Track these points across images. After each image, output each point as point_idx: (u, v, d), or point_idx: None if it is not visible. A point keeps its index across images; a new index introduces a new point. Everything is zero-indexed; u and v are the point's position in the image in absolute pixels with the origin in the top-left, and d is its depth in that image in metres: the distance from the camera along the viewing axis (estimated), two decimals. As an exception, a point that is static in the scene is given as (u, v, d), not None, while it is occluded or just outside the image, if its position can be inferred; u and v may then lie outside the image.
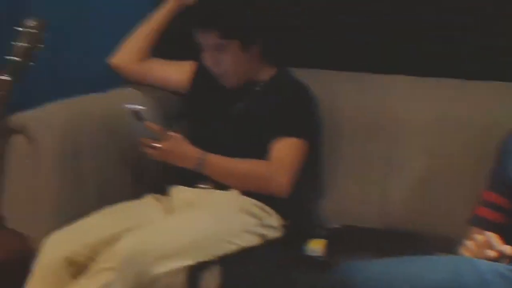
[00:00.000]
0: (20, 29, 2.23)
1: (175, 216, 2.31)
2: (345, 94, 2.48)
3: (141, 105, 2.26)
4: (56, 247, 2.20)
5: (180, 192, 2.38)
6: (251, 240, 2.22)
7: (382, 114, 2.41)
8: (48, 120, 2.37)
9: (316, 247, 2.15)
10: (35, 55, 2.24)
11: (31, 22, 2.22)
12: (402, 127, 2.38)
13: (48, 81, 2.81)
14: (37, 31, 2.22)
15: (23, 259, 2.25)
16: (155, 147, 2.26)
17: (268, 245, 2.23)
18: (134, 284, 2.10)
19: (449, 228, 2.15)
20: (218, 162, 2.29)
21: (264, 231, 2.24)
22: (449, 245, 1.86)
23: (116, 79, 2.69)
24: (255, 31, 2.36)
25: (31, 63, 2.23)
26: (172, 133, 2.27)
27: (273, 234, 2.24)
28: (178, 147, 2.29)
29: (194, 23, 2.35)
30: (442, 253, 1.76)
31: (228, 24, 2.30)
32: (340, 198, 2.43)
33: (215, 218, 2.22)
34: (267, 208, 2.27)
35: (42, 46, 2.24)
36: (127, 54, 2.63)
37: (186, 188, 2.38)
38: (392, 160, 2.39)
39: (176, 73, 2.58)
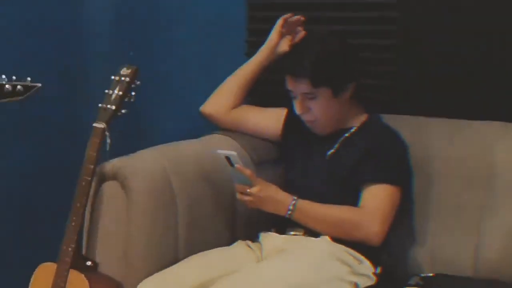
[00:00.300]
0: (115, 77, 2.28)
1: (267, 264, 2.29)
2: (438, 141, 2.45)
3: (233, 151, 2.26)
4: (147, 293, 2.21)
5: (271, 239, 2.37)
6: (342, 289, 2.17)
7: (477, 161, 2.37)
8: (141, 167, 2.39)
9: (410, 296, 2.09)
10: (127, 103, 2.28)
11: (125, 71, 2.27)
12: (498, 175, 2.32)
13: (141, 128, 2.84)
14: (130, 79, 2.27)
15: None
16: (247, 193, 2.24)
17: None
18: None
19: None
20: (309, 208, 2.27)
21: (356, 279, 2.20)
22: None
23: (208, 126, 2.70)
24: (346, 79, 2.36)
25: (124, 111, 2.28)
26: (263, 179, 2.27)
27: (365, 282, 2.20)
28: (269, 192, 2.27)
29: (286, 71, 2.36)
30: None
31: (320, 73, 2.30)
32: (433, 246, 2.38)
33: (306, 266, 2.19)
34: (359, 256, 2.23)
35: (134, 94, 2.29)
36: (220, 102, 2.64)
37: (277, 235, 2.37)
38: (487, 208, 2.33)
39: (267, 121, 2.59)
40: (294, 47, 2.46)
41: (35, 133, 2.95)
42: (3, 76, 2.00)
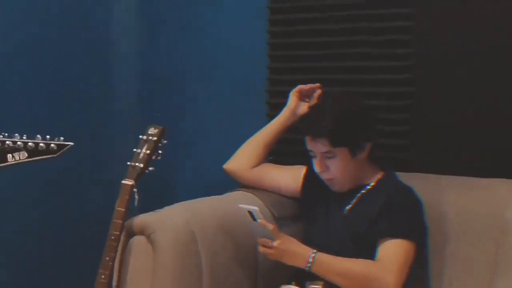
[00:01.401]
0: (143, 137, 2.29)
1: None
2: (451, 198, 2.43)
3: (255, 206, 2.25)
4: None
5: None
6: None
7: (489, 218, 2.35)
8: (166, 221, 2.37)
9: None
10: (154, 161, 2.29)
11: (152, 130, 2.29)
12: (510, 232, 2.29)
13: (167, 184, 2.84)
14: (157, 139, 2.29)
15: None
16: (269, 246, 2.23)
17: None
18: None
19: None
20: (328, 261, 2.24)
21: None
22: None
23: (231, 183, 2.69)
24: (363, 138, 2.36)
25: (151, 169, 2.29)
26: (284, 233, 2.25)
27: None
28: (290, 246, 2.25)
29: (305, 131, 2.36)
30: None
31: (338, 133, 2.30)
32: (447, 301, 2.33)
33: None
34: None
35: (161, 152, 2.30)
36: (242, 161, 2.64)
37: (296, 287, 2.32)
38: (499, 266, 2.29)
39: (288, 178, 2.58)
40: (312, 108, 2.46)
41: (68, 188, 2.96)
42: (38, 136, 2.03)
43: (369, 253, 2.23)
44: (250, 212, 2.21)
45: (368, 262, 2.21)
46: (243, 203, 2.34)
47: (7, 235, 2.90)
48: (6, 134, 2.00)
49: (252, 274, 2.47)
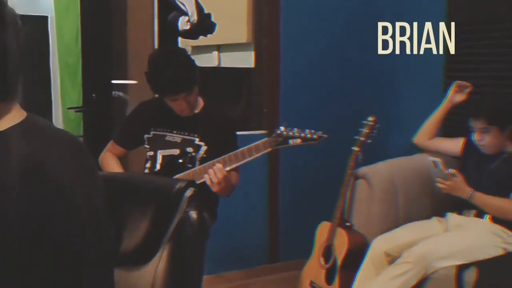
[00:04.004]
0: (364, 122, 2.68)
1: (450, 234, 2.55)
2: None
3: (438, 158, 2.56)
4: (379, 244, 2.51)
5: (453, 217, 2.65)
6: (497, 252, 2.41)
7: None
8: (378, 171, 2.82)
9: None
10: (371, 136, 2.67)
11: (370, 119, 2.70)
12: None
13: (379, 149, 3.00)
14: (372, 123, 2.67)
15: (362, 250, 2.57)
16: (445, 184, 2.51)
17: (509, 255, 2.41)
18: (422, 274, 2.31)
19: None
20: (482, 197, 2.51)
21: (506, 246, 2.44)
22: None
23: (416, 149, 3.03)
24: (510, 122, 2.57)
25: (369, 141, 2.67)
26: (456, 176, 2.53)
27: (512, 248, 2.41)
28: (458, 184, 2.50)
29: (469, 114, 2.64)
30: None
31: (492, 115, 2.55)
32: None
33: (474, 235, 2.45)
34: (509, 232, 2.48)
35: (376, 131, 2.65)
36: (424, 135, 3.00)
37: (457, 215, 2.64)
38: None
39: (452, 146, 2.88)
40: (474, 99, 2.75)
41: (329, 154, 3.21)
42: (306, 130, 2.26)
43: (506, 195, 2.51)
44: (434, 162, 2.50)
45: (507, 200, 2.51)
46: (428, 157, 2.69)
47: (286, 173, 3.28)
48: (289, 128, 2.28)
49: (431, 203, 2.81)
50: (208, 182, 2.30)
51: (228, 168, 2.32)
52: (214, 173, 2.26)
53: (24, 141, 1.05)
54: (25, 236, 0.98)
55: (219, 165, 2.28)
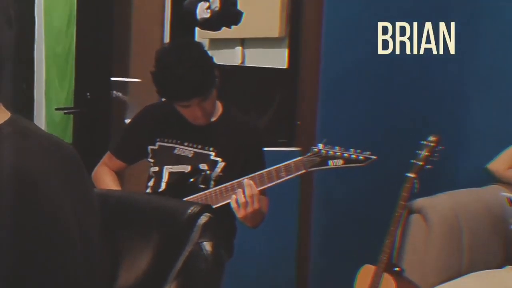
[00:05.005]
0: (423, 142, 2.76)
1: None
2: None
3: None
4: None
5: None
6: None
7: None
8: (438, 205, 2.92)
9: None
10: (432, 161, 2.74)
11: (431, 138, 2.77)
12: None
13: (439, 177, 3.14)
14: (434, 144, 2.74)
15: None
16: None
17: None
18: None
19: None
20: None
21: None
22: None
23: (488, 179, 3.11)
24: None
25: (428, 166, 2.73)
26: None
27: None
28: None
29: None
30: None
31: None
32: None
33: None
34: None
35: (437, 155, 2.72)
36: (504, 162, 3.08)
37: None
38: None
39: None
40: None
41: (375, 182, 3.29)
42: (351, 149, 2.33)
43: None
44: (509, 199, 2.66)
45: None
46: (500, 194, 2.85)
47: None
48: (329, 146, 2.34)
49: (503, 248, 2.92)
50: (233, 205, 2.31)
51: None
52: (242, 192, 2.27)
53: (5, 147, 1.08)
54: (6, 253, 1.05)
55: (249, 181, 2.29)
